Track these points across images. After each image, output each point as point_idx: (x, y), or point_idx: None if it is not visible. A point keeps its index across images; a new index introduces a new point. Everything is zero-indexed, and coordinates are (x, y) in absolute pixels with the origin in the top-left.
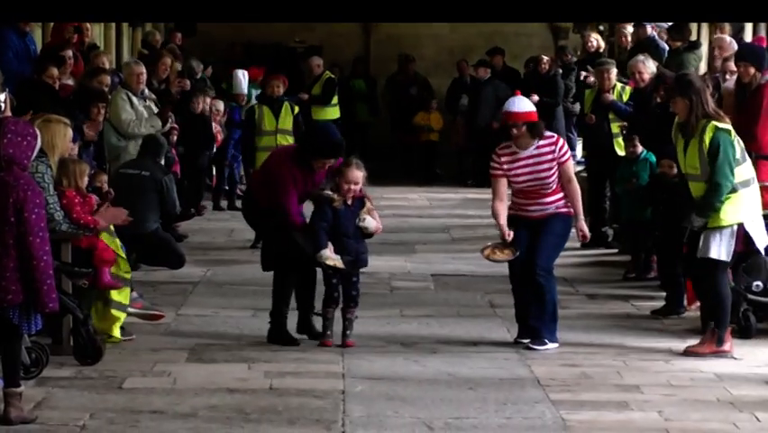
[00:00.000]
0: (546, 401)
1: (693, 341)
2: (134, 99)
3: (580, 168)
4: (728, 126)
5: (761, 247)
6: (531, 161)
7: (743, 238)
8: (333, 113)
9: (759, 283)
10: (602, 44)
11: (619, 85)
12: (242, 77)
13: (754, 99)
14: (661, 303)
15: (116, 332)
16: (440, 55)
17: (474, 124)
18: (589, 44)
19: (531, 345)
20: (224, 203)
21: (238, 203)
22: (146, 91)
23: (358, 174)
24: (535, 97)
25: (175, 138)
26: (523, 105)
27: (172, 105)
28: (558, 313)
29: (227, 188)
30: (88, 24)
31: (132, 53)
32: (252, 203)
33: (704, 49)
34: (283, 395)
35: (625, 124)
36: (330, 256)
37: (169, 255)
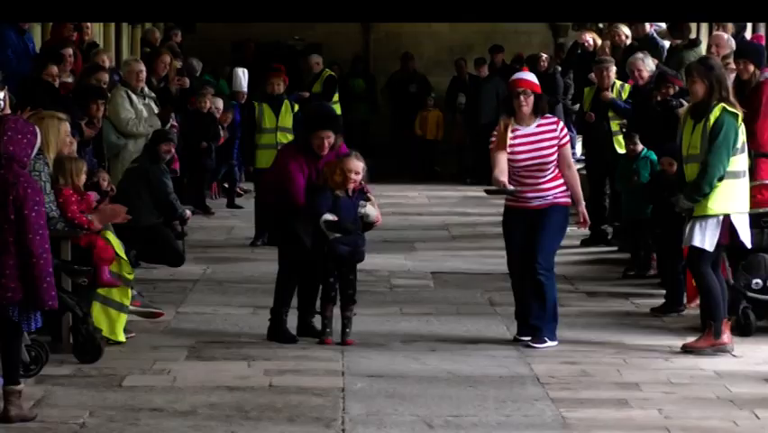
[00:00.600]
0: (546, 399)
1: (692, 339)
2: (134, 97)
3: (579, 166)
4: (737, 112)
5: (746, 242)
6: (532, 138)
7: (728, 231)
8: None
9: (758, 281)
10: (599, 42)
11: (618, 83)
12: (243, 75)
13: (754, 97)
14: (660, 301)
15: (121, 336)
16: (439, 53)
17: (475, 122)
18: (587, 44)
19: (531, 344)
20: (224, 200)
21: (238, 201)
22: (146, 89)
23: (358, 164)
24: None
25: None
26: (532, 76)
27: (173, 106)
28: (558, 312)
29: (227, 186)
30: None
31: (131, 51)
32: (265, 206)
33: (703, 47)
34: (283, 393)
35: (624, 122)
36: (331, 218)
37: (167, 252)
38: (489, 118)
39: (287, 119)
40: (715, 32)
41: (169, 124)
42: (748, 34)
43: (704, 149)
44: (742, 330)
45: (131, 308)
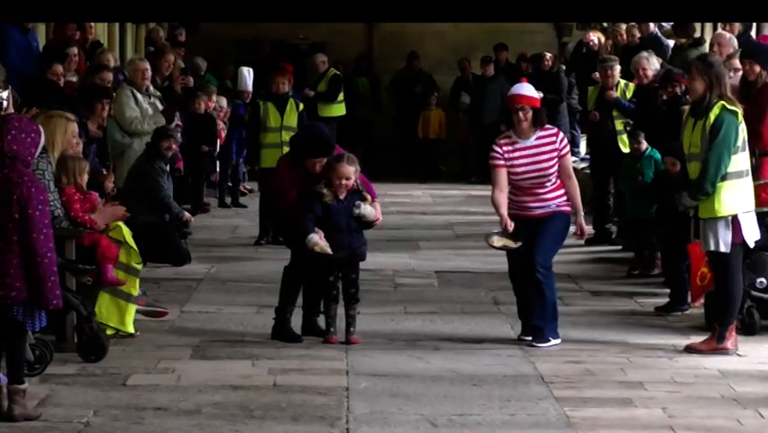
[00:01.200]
0: (550, 398)
1: (697, 338)
2: (139, 96)
3: (583, 165)
4: (737, 110)
5: (749, 241)
6: (532, 151)
7: (739, 230)
8: (338, 109)
9: (763, 280)
10: (603, 41)
11: (623, 82)
12: (248, 74)
13: (760, 97)
14: (665, 300)
15: (130, 327)
16: (443, 53)
17: (480, 121)
18: (591, 43)
19: (534, 344)
20: (227, 200)
21: (242, 200)
22: (151, 88)
23: (349, 169)
24: (539, 94)
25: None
26: (530, 90)
27: (178, 106)
28: (558, 309)
29: (231, 184)
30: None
31: (135, 50)
32: (274, 211)
33: (707, 46)
34: (287, 392)
35: (628, 120)
36: (318, 242)
37: (170, 251)
38: (493, 118)
39: (291, 118)
40: (717, 31)
41: (174, 123)
42: (753, 34)
43: (705, 147)
44: (746, 329)
45: (136, 307)
